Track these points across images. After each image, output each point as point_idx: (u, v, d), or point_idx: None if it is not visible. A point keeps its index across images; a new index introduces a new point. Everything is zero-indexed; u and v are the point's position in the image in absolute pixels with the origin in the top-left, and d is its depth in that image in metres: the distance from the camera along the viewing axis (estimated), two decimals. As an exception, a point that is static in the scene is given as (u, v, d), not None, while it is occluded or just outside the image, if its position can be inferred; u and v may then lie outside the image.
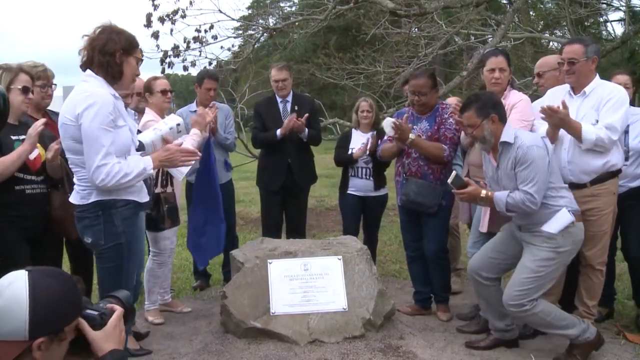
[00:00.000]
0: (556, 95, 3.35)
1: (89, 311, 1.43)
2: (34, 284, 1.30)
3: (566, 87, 3.36)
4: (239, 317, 3.39)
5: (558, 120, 3.11)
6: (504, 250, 3.24)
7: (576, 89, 3.31)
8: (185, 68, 7.34)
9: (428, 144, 3.70)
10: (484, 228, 3.57)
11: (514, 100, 3.47)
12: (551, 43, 10.00)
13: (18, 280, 1.32)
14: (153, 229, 3.71)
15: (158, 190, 3.66)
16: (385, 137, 4.01)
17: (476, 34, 8.04)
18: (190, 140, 2.95)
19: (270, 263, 3.56)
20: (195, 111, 4.55)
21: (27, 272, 1.34)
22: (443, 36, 7.46)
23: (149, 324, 3.80)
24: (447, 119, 3.73)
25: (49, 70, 3.37)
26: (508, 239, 3.24)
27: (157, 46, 7.01)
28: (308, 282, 3.54)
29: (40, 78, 3.30)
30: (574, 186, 3.24)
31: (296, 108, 4.52)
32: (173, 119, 2.93)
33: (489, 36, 7.69)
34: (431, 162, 3.74)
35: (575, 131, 3.14)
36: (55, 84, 3.38)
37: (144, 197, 2.65)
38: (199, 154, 2.84)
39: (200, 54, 7.31)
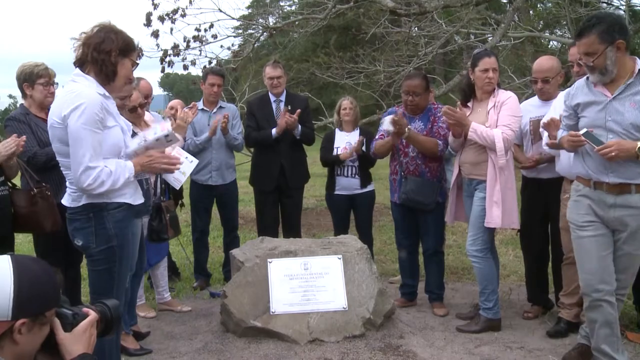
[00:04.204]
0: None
1: (63, 309, 1.42)
2: (17, 265, 1.32)
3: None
4: (239, 316, 3.39)
5: None
6: (608, 252, 2.76)
7: None
8: (185, 67, 7.35)
9: (423, 138, 3.84)
10: (450, 219, 3.82)
11: (504, 98, 3.56)
12: (551, 42, 9.99)
13: (1, 262, 1.32)
14: (156, 240, 3.66)
15: (158, 200, 3.62)
16: (378, 135, 4.10)
17: (476, 33, 8.04)
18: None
19: (270, 262, 3.56)
20: (202, 109, 4.58)
21: (9, 255, 1.35)
22: (443, 35, 7.45)
23: (148, 322, 3.81)
24: (440, 118, 3.83)
25: (50, 69, 3.38)
26: (598, 242, 2.75)
27: (157, 45, 7.02)
28: (308, 281, 3.54)
29: (42, 76, 3.32)
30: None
31: (289, 108, 4.52)
32: (162, 129, 2.85)
33: (489, 35, 7.70)
34: (427, 159, 3.87)
35: None
36: (57, 83, 3.39)
37: (137, 200, 2.58)
38: (181, 161, 2.78)
39: (200, 53, 7.34)
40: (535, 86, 3.76)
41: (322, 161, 4.70)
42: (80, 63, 2.45)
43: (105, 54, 2.41)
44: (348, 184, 4.52)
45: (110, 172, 2.37)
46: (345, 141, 4.52)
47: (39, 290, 1.32)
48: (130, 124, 2.89)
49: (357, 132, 4.58)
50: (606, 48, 2.57)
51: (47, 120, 2.75)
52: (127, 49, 2.48)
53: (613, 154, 2.60)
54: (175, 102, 4.98)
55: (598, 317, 2.75)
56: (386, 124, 3.73)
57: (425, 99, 3.94)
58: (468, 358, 3.21)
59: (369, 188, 4.58)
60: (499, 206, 3.44)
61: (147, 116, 3.82)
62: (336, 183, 4.55)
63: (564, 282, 3.56)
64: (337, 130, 4.70)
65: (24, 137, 3.06)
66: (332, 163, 4.57)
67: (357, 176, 4.49)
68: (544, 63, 3.70)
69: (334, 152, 4.55)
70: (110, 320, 1.53)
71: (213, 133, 4.43)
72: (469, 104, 3.71)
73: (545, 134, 3.33)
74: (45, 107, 3.34)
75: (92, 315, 1.47)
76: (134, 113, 3.54)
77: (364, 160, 4.45)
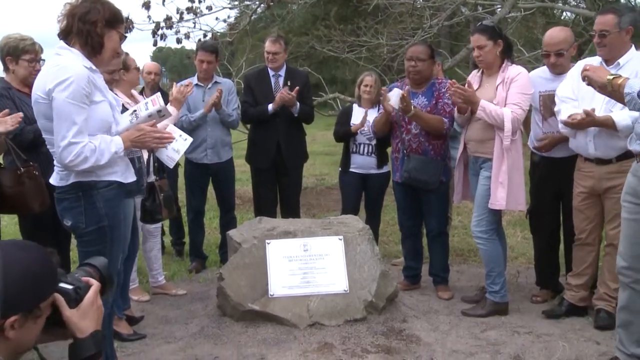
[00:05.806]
0: None
1: (63, 285, 1.32)
2: (4, 257, 1.20)
3: (598, 58, 3.20)
4: (236, 299, 3.34)
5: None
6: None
7: (609, 60, 3.15)
8: (178, 41, 7.13)
9: (429, 116, 3.73)
10: (457, 198, 3.76)
11: (513, 74, 3.41)
12: (564, 13, 9.70)
13: None
14: (149, 221, 3.56)
15: (151, 179, 3.51)
16: (378, 113, 4.02)
17: (484, 4, 7.75)
18: (166, 121, 2.81)
19: (268, 243, 3.50)
20: (197, 84, 4.42)
21: None
22: (449, 7, 7.19)
23: (142, 306, 3.73)
24: (445, 94, 3.72)
25: (37, 44, 3.25)
26: (630, 225, 2.64)
27: (149, 17, 6.77)
28: (308, 263, 3.48)
29: (28, 52, 3.20)
30: (599, 161, 3.15)
31: (289, 83, 4.37)
32: (154, 103, 2.74)
33: (498, 6, 7.42)
34: (431, 136, 3.76)
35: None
36: (44, 60, 3.25)
37: (129, 177, 2.51)
38: (174, 137, 2.72)
39: (194, 26, 7.12)
40: (547, 60, 3.57)
41: (335, 136, 4.56)
42: (65, 35, 2.37)
43: (91, 24, 2.33)
44: (363, 163, 4.38)
45: (94, 147, 2.30)
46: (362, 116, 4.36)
47: (30, 283, 1.21)
48: (120, 99, 2.77)
49: (376, 109, 4.38)
50: None
51: (30, 96, 2.62)
52: (114, 20, 2.40)
53: (587, 68, 2.66)
54: (152, 66, 4.78)
55: (621, 297, 2.70)
56: (394, 100, 3.58)
57: (429, 68, 3.80)
58: (474, 343, 3.13)
59: (385, 169, 4.42)
60: (504, 187, 3.33)
61: (135, 93, 3.70)
62: (351, 161, 4.41)
63: (574, 262, 3.46)
64: (355, 106, 4.54)
65: (20, 114, 2.92)
66: (345, 136, 4.42)
67: (373, 155, 4.35)
68: (555, 35, 3.53)
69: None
70: (103, 281, 1.42)
71: (209, 110, 4.28)
72: (478, 74, 3.58)
73: (562, 112, 3.18)
74: (28, 83, 3.19)
75: (95, 284, 1.37)
76: (139, 72, 3.60)
77: (381, 139, 4.27)
